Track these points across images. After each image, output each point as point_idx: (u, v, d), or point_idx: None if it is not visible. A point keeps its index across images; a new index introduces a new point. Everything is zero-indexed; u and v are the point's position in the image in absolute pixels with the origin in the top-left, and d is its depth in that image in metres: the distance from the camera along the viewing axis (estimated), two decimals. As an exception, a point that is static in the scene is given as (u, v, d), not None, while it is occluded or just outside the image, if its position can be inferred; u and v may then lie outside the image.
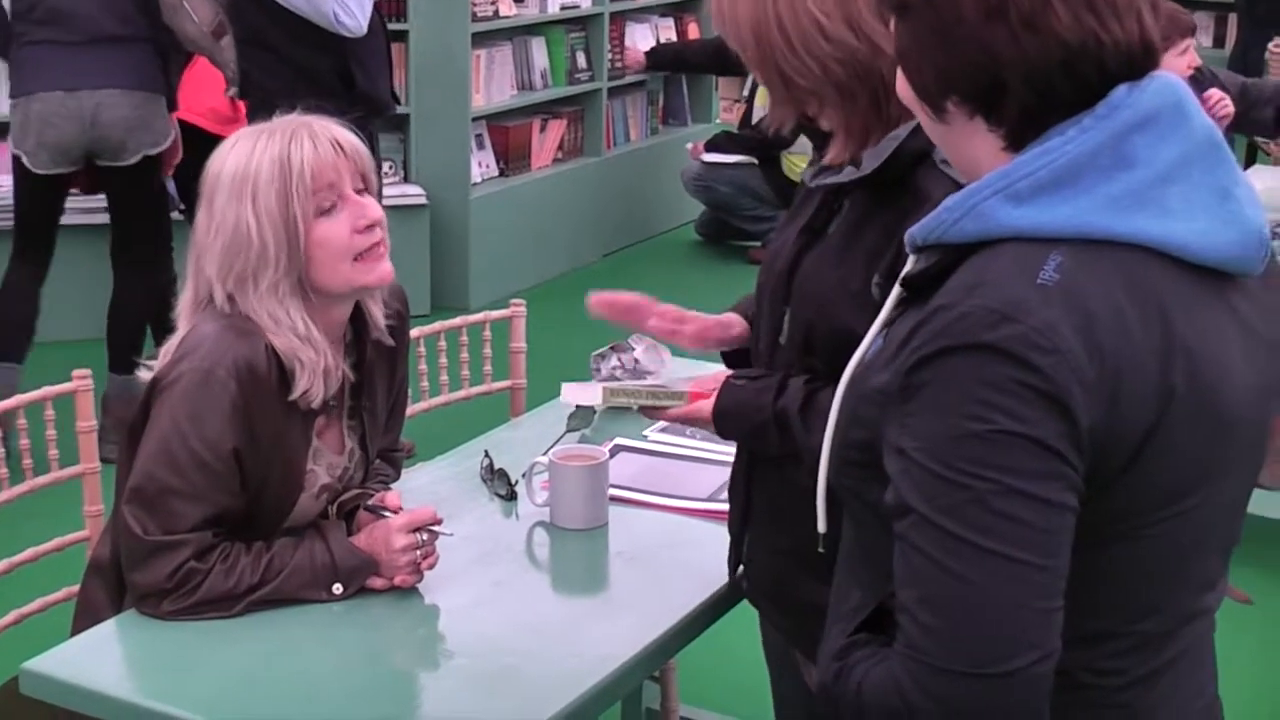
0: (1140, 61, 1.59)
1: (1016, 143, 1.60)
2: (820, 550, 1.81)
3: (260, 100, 4.99)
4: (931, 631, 1.51)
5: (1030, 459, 1.48)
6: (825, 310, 2.23)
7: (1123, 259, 1.54)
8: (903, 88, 1.69)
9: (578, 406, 3.24)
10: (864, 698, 1.59)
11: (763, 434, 2.30)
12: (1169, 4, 5.16)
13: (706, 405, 2.40)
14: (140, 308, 5.80)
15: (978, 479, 1.48)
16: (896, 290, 1.69)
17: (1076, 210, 1.54)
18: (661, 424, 3.18)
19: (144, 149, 5.53)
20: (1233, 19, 10.60)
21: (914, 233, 1.64)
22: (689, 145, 8.76)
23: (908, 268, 1.68)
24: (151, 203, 5.75)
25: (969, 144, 1.64)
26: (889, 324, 1.69)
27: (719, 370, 2.47)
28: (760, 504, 2.43)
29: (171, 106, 5.65)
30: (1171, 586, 1.65)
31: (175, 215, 6.33)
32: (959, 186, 1.66)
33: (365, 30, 5.09)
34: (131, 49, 5.45)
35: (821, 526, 1.80)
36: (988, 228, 1.56)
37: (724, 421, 2.38)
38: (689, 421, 2.47)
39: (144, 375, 2.60)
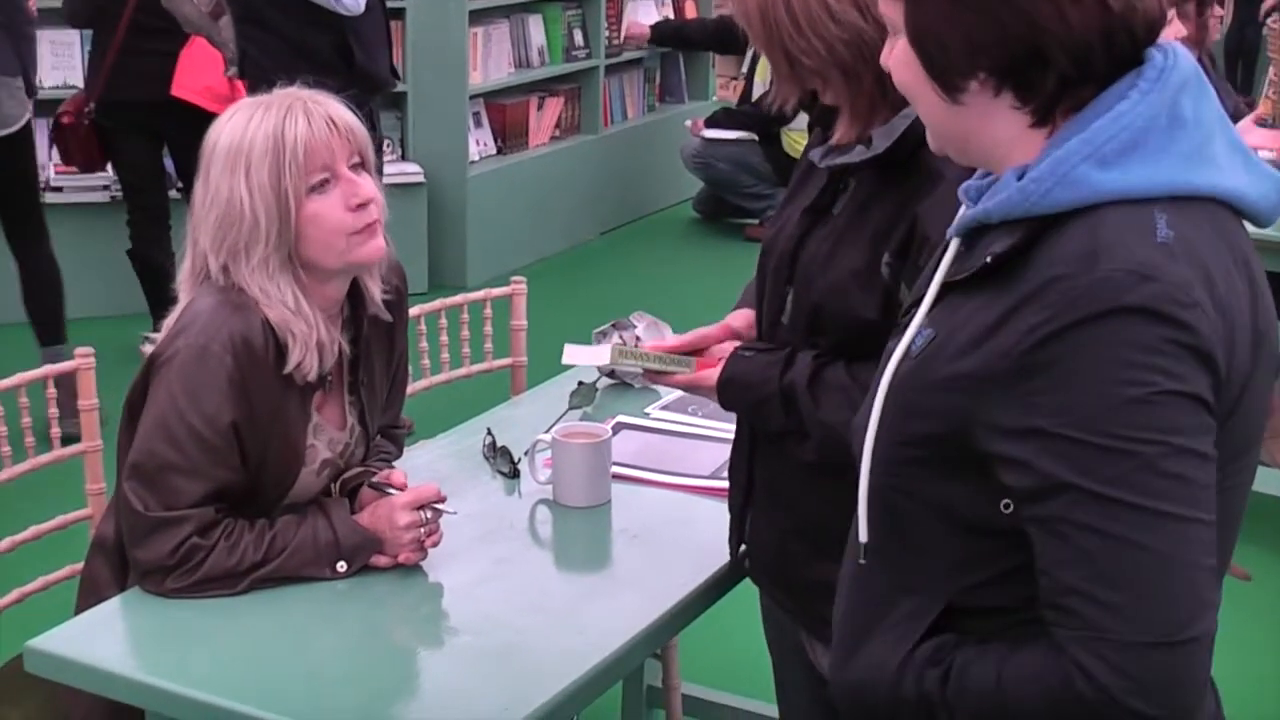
0: (1158, 26, 1.61)
1: (1045, 118, 1.60)
2: (861, 561, 1.71)
3: (259, 79, 4.95)
4: (1114, 608, 1.48)
5: (1190, 416, 1.48)
6: (833, 291, 2.23)
7: (1209, 214, 1.57)
8: (906, 70, 1.67)
9: (580, 384, 3.24)
10: (1007, 690, 1.56)
11: (767, 407, 2.29)
12: None
13: (712, 374, 2.39)
14: (35, 282, 5.73)
15: (1145, 443, 1.47)
16: (943, 272, 1.66)
17: (1160, 169, 1.55)
18: (664, 401, 3.19)
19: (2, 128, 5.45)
20: (1230, -3, 10.58)
21: (987, 212, 1.61)
22: (687, 122, 8.75)
23: (954, 253, 1.65)
24: (14, 184, 5.61)
25: (989, 125, 1.62)
26: (931, 310, 1.66)
27: (727, 345, 2.45)
28: (762, 482, 2.42)
29: (29, 94, 5.53)
30: (1226, 551, 1.65)
31: (173, 194, 6.33)
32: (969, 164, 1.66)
33: (364, 8, 5.08)
34: None
35: (863, 536, 1.71)
36: (1081, 194, 1.55)
37: (728, 392, 2.37)
38: (693, 389, 2.46)
39: (146, 349, 2.60)
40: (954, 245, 1.67)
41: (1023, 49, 1.56)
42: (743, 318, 2.57)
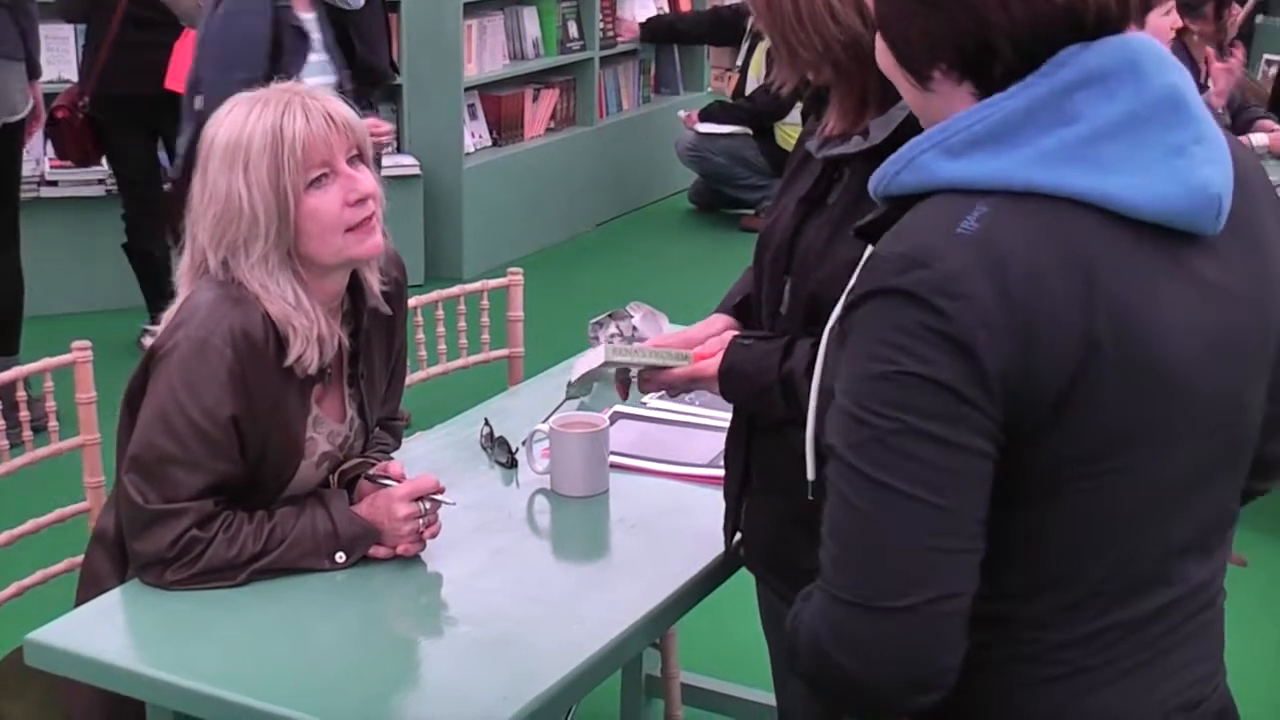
0: (1116, 19, 1.60)
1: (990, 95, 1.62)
2: (810, 498, 1.85)
3: None
4: (837, 563, 1.56)
5: (931, 400, 1.52)
6: (830, 280, 2.23)
7: (1052, 212, 1.56)
8: (884, 57, 1.71)
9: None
10: (799, 634, 1.62)
11: (767, 396, 2.30)
12: None
13: (711, 365, 2.40)
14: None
15: (881, 417, 1.53)
16: (868, 245, 1.71)
17: (1005, 164, 1.57)
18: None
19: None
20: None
21: (869, 184, 1.69)
22: (681, 113, 8.75)
23: (863, 219, 1.71)
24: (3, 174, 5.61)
25: (954, 108, 1.64)
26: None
27: (727, 334, 2.46)
28: (760, 470, 2.43)
29: (33, 74, 5.52)
30: (1117, 548, 1.64)
31: (167, 187, 6.33)
32: None
33: (363, 1, 5.06)
34: None
35: (810, 474, 1.87)
36: (923, 180, 1.60)
37: (729, 381, 2.38)
38: (693, 381, 2.47)
39: (145, 342, 2.60)
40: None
41: (972, 42, 1.59)
42: (722, 321, 2.59)
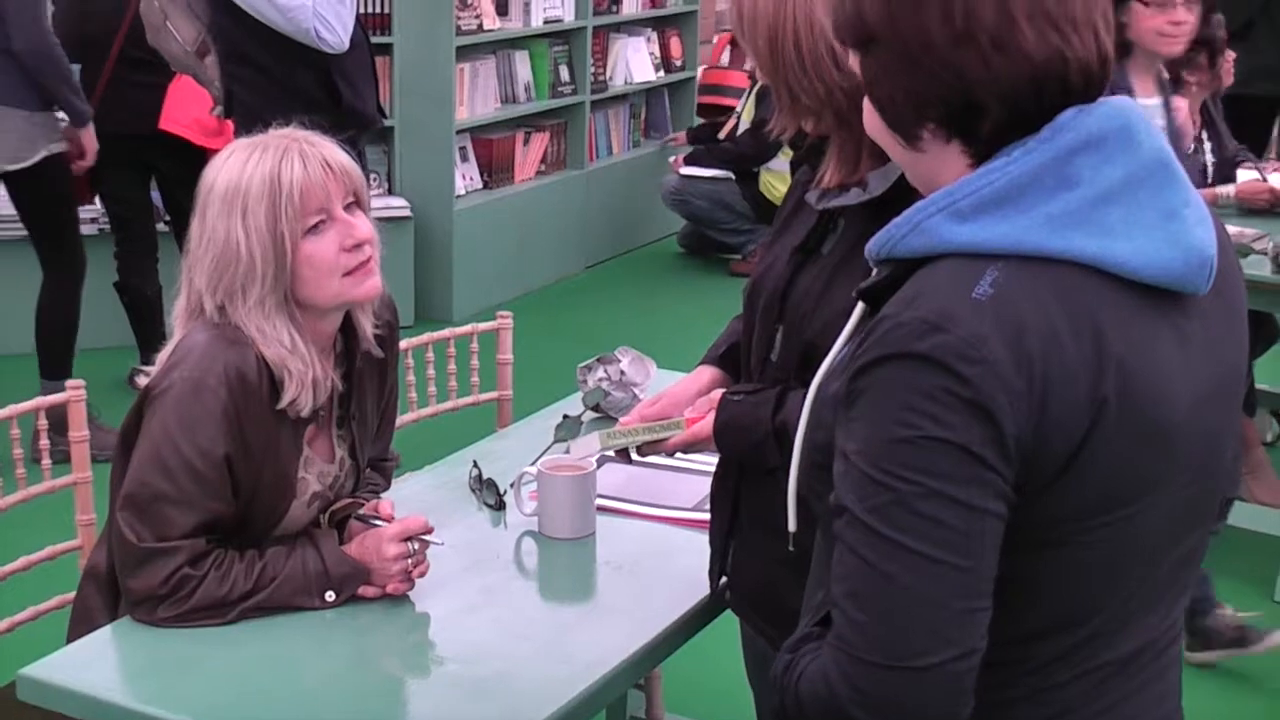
0: (1098, 78, 1.64)
1: (983, 161, 1.65)
2: (790, 549, 1.89)
3: (246, 118, 4.98)
4: (856, 625, 1.57)
5: (953, 464, 1.54)
6: (825, 330, 2.25)
7: (1058, 275, 1.59)
8: (871, 120, 1.73)
9: (565, 417, 3.28)
10: (800, 687, 1.64)
11: (763, 448, 2.33)
12: None
13: (705, 426, 2.43)
14: (45, 314, 5.78)
15: (903, 481, 1.54)
16: (860, 307, 1.74)
17: (1014, 228, 1.59)
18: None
19: (3, 164, 5.52)
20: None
21: (870, 246, 1.70)
22: (671, 159, 8.81)
23: (866, 281, 1.73)
24: (39, 214, 5.73)
25: (944, 167, 1.67)
26: (853, 335, 1.73)
27: (714, 393, 2.48)
28: (749, 513, 2.46)
29: (76, 120, 5.60)
30: (1112, 593, 1.68)
31: (161, 227, 6.37)
32: None
33: (347, 45, 5.07)
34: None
35: (792, 525, 1.88)
36: (931, 243, 1.62)
37: (724, 438, 2.40)
38: (691, 446, 2.49)
39: (139, 382, 2.63)
40: (875, 273, 1.74)
41: (958, 100, 1.62)
42: (708, 374, 2.62)
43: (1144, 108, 3.88)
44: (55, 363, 5.66)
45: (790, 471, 1.82)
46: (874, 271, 1.72)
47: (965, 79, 1.60)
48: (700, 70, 9.70)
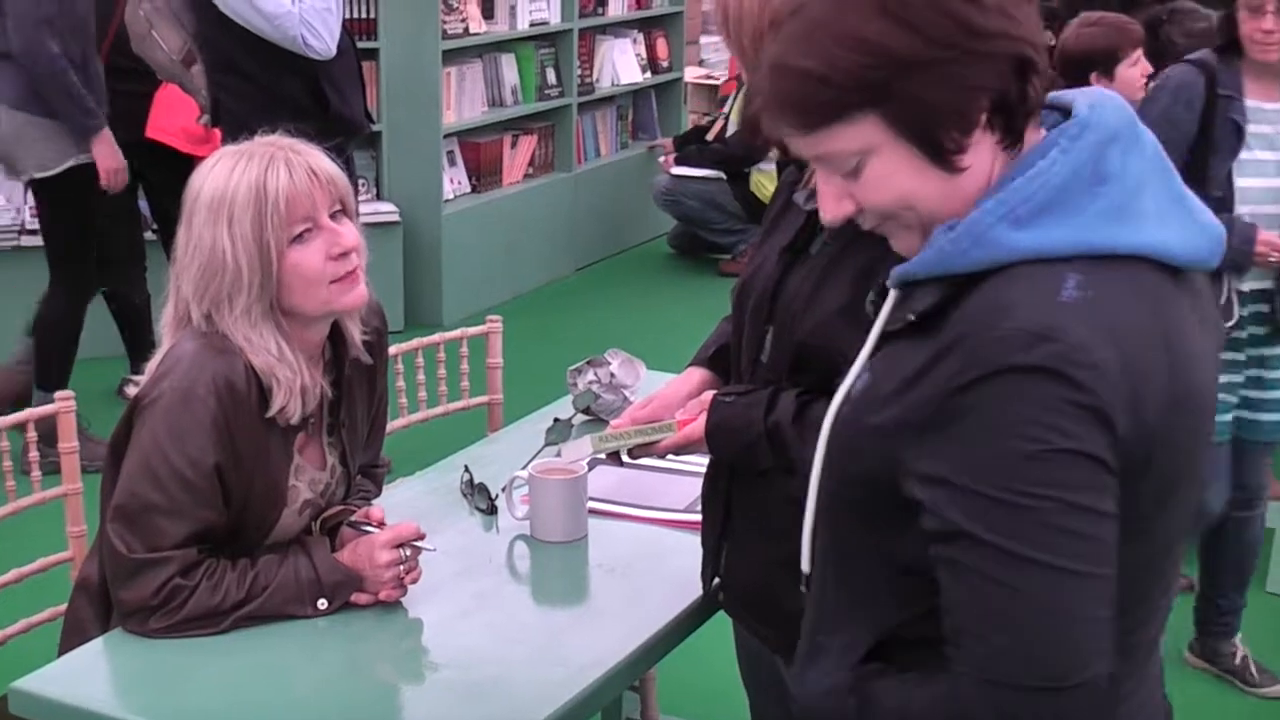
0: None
1: (1014, 135, 1.64)
2: (804, 589, 1.81)
3: (235, 127, 4.96)
4: (1003, 651, 1.53)
5: (1083, 474, 1.52)
6: (818, 329, 2.26)
7: (1128, 271, 1.60)
8: (898, 181, 1.65)
9: (555, 420, 3.27)
10: (912, 717, 1.61)
11: (755, 449, 2.33)
12: (1114, 15, 5.23)
13: (697, 428, 2.42)
14: (43, 325, 5.79)
15: (1038, 498, 1.51)
16: (881, 322, 1.71)
17: (1077, 228, 1.58)
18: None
19: (30, 171, 5.52)
20: None
21: (910, 268, 1.66)
22: (661, 159, 8.81)
23: (893, 303, 1.70)
24: (55, 224, 5.70)
25: (983, 171, 1.64)
26: (872, 355, 1.71)
27: (705, 394, 2.48)
28: (743, 515, 2.45)
29: (79, 132, 5.53)
30: (1159, 580, 1.70)
31: (149, 235, 6.36)
32: None
33: (334, 52, 5.07)
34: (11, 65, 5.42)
35: (806, 567, 1.79)
36: (997, 255, 1.59)
37: (716, 439, 2.40)
38: (683, 449, 2.49)
39: (128, 392, 2.62)
40: (892, 294, 1.72)
41: (1009, 66, 1.60)
42: (698, 376, 2.62)
43: (1260, 111, 3.89)
44: (50, 374, 5.65)
45: (807, 509, 1.77)
46: (893, 295, 1.70)
47: (1010, 38, 1.60)
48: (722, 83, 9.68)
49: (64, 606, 2.81)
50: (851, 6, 1.60)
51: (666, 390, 2.60)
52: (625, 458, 2.55)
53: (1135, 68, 4.85)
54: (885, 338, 1.71)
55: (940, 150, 1.62)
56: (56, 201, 5.61)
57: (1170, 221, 1.63)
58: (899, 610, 1.69)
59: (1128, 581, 1.63)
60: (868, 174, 1.65)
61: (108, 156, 5.54)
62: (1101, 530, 1.53)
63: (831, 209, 1.70)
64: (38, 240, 6.65)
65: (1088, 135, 1.61)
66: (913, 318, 1.64)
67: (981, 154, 1.64)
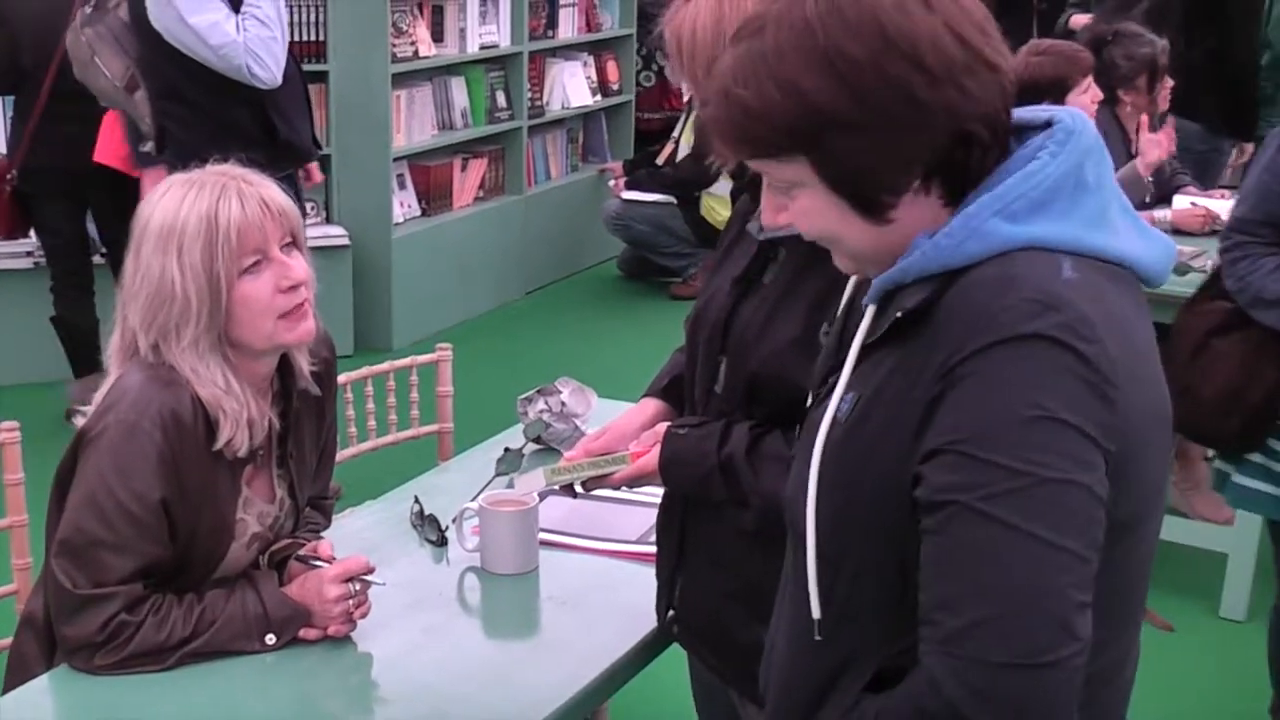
0: (1017, 76, 1.69)
1: (957, 196, 1.64)
2: (818, 638, 1.73)
3: (180, 155, 4.92)
4: (974, 624, 1.49)
5: (1079, 447, 1.50)
6: (770, 361, 2.26)
7: (1112, 274, 1.62)
8: (823, 219, 1.67)
9: (506, 450, 3.26)
10: (888, 712, 1.59)
11: (709, 481, 2.32)
12: (1064, 44, 5.28)
13: (651, 460, 2.41)
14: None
15: (1029, 463, 1.49)
16: (862, 335, 1.70)
17: (1067, 228, 1.60)
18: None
19: None
20: None
21: (901, 272, 1.64)
22: (611, 183, 8.80)
23: (870, 317, 1.69)
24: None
25: (916, 224, 1.64)
26: (853, 372, 1.70)
27: (659, 426, 2.47)
28: (697, 547, 2.44)
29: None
30: (1143, 590, 1.71)
31: (96, 259, 6.31)
32: None
33: (280, 81, 5.03)
34: None
35: (816, 613, 1.73)
36: (992, 245, 1.59)
37: (670, 472, 2.39)
38: (637, 481, 2.47)
39: (76, 422, 2.59)
40: (869, 312, 1.71)
41: (946, 139, 1.60)
42: (652, 407, 2.61)
43: None
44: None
45: (809, 551, 1.71)
46: (870, 310, 1.70)
47: (954, 113, 1.59)
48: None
49: (8, 640, 2.78)
50: (797, 50, 1.59)
51: (620, 421, 2.59)
52: (579, 489, 2.54)
53: (1085, 95, 4.89)
54: (864, 353, 1.69)
55: (867, 204, 1.63)
56: None
57: (1134, 236, 1.66)
58: (893, 641, 1.66)
59: (1115, 589, 1.63)
60: (799, 203, 1.67)
61: None
62: (1090, 509, 1.51)
63: (769, 217, 1.76)
64: (5, 263, 6.64)
65: (1074, 143, 1.63)
66: (899, 315, 1.63)
67: (917, 209, 1.64)
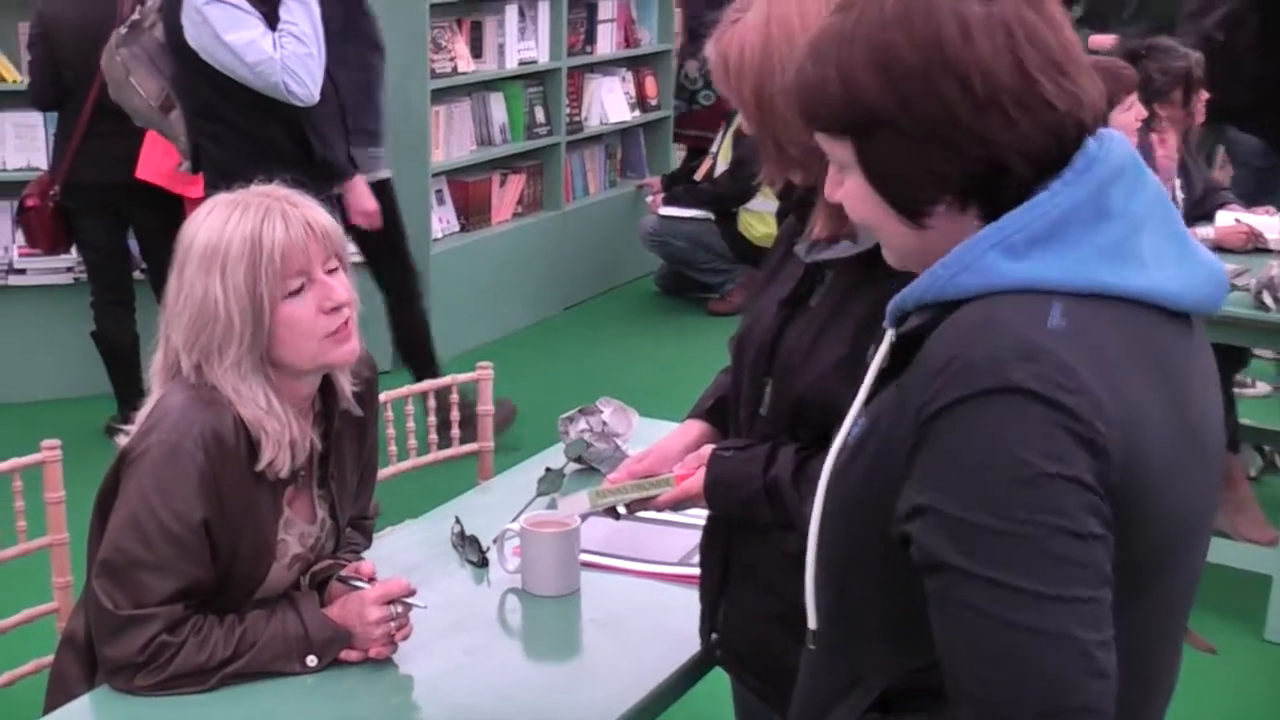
0: (1103, 116, 1.64)
1: (994, 219, 1.62)
2: (811, 647, 1.77)
3: (216, 174, 4.91)
4: (997, 685, 1.49)
5: (1069, 497, 1.48)
6: (816, 384, 2.24)
7: (1115, 309, 1.57)
8: (864, 206, 1.68)
9: (547, 470, 3.25)
10: None
11: (754, 504, 2.30)
12: (1107, 60, 5.24)
13: (695, 483, 2.39)
14: (400, 327, 6.40)
15: (1024, 524, 1.48)
16: (878, 361, 1.69)
17: (1071, 263, 1.56)
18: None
19: None
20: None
21: (904, 297, 1.65)
22: (649, 199, 8.79)
23: (889, 342, 1.68)
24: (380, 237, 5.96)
25: (953, 237, 1.63)
26: (868, 401, 1.70)
27: (704, 449, 2.45)
28: (742, 569, 2.43)
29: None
30: (1175, 633, 1.68)
31: (137, 275, 6.34)
32: None
33: (317, 98, 5.00)
34: None
35: (812, 623, 1.76)
36: (988, 281, 1.57)
37: (715, 494, 2.37)
38: (681, 504, 2.45)
39: (119, 441, 2.59)
40: (888, 335, 1.70)
41: (983, 167, 1.59)
42: (696, 429, 2.59)
43: None
44: (432, 361, 6.03)
45: (808, 563, 1.73)
46: (889, 334, 1.68)
47: (991, 144, 1.58)
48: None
49: (49, 659, 2.78)
50: (865, 42, 1.60)
51: (664, 443, 2.58)
52: (622, 510, 2.52)
53: (1129, 113, 4.84)
54: (882, 380, 1.68)
55: (902, 206, 1.64)
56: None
57: (1168, 263, 1.61)
58: (907, 659, 1.65)
59: (1130, 642, 1.59)
60: (848, 186, 1.69)
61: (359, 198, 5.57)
62: (1091, 554, 1.50)
63: (829, 189, 1.73)
64: (25, 279, 6.67)
65: (1094, 171, 1.59)
66: (893, 340, 1.64)
67: (954, 224, 1.63)
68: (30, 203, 6.04)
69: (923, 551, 1.54)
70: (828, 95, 1.63)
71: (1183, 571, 1.65)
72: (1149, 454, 1.53)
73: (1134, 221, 1.60)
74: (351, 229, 5.67)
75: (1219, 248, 5.26)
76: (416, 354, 6.33)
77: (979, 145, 1.58)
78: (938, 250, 1.64)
